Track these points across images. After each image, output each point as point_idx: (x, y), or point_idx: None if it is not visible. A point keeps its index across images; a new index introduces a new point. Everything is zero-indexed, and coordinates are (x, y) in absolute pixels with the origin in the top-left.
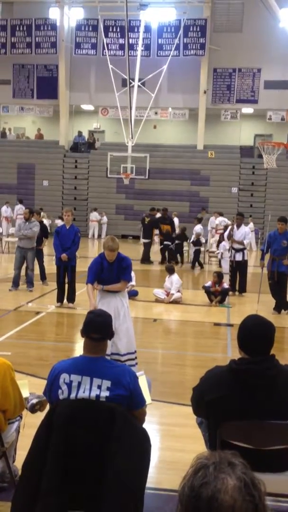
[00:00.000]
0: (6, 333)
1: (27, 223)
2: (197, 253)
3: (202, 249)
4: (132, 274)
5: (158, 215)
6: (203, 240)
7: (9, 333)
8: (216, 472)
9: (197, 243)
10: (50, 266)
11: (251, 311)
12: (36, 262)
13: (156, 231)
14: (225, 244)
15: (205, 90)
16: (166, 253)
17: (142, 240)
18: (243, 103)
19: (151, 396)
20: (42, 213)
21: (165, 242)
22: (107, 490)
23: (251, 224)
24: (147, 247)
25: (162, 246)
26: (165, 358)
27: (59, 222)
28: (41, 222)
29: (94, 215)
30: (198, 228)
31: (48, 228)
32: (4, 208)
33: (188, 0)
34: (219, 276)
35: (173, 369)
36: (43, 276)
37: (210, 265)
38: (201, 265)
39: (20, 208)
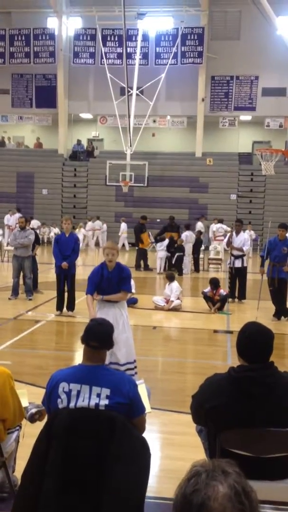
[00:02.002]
0: (6, 342)
1: (22, 231)
2: (179, 259)
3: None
4: (132, 282)
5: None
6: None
7: (9, 342)
8: (208, 479)
9: (179, 249)
10: (50, 275)
11: (251, 318)
12: None
13: (152, 239)
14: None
15: (203, 98)
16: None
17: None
18: (241, 111)
19: (151, 405)
20: (34, 221)
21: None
22: (107, 500)
23: (247, 232)
24: (137, 253)
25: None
26: (164, 365)
27: (53, 230)
28: (32, 229)
29: (97, 224)
30: (183, 235)
31: (46, 236)
32: (7, 216)
33: (186, 9)
34: (214, 283)
35: (173, 376)
36: (34, 284)
37: (209, 272)
38: (180, 272)
39: (19, 217)
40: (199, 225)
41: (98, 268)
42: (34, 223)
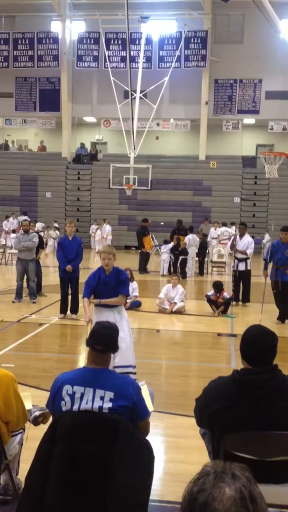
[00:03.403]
0: (10, 345)
1: (26, 234)
2: (182, 262)
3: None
4: (135, 284)
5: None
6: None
7: (12, 345)
8: (216, 480)
9: (183, 252)
10: (54, 278)
11: (255, 321)
12: None
13: (155, 242)
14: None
15: (207, 101)
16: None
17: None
18: (244, 114)
19: (154, 407)
20: (38, 224)
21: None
22: (111, 503)
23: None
24: (140, 256)
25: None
26: (168, 369)
27: (51, 233)
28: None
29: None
30: (186, 238)
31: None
32: (10, 219)
33: (189, 12)
34: (217, 286)
35: (177, 380)
36: (38, 288)
37: (213, 275)
38: (183, 275)
39: (23, 220)
40: (212, 231)
41: (95, 272)
42: (38, 225)
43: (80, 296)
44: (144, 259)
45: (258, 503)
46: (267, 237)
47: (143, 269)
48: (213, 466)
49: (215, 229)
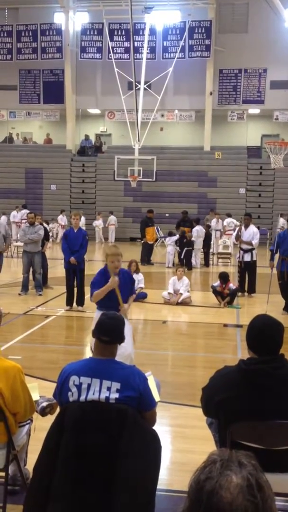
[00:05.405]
0: (16, 337)
1: (31, 227)
2: (187, 253)
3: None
4: (141, 276)
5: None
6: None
7: (19, 337)
8: (223, 469)
9: (188, 244)
10: (59, 270)
11: (261, 311)
12: None
13: (160, 234)
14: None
15: (211, 91)
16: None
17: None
18: (249, 104)
19: (161, 397)
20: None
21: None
22: (118, 492)
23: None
24: (142, 247)
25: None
26: (174, 359)
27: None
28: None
29: (112, 219)
30: (193, 230)
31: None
32: (13, 213)
33: (193, 2)
34: (223, 277)
35: (183, 370)
36: (44, 280)
37: (219, 266)
38: (189, 266)
39: (25, 213)
40: (282, 222)
41: (102, 271)
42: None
43: (86, 288)
44: (147, 250)
45: (265, 491)
46: (282, 221)
47: (146, 260)
48: (220, 454)
49: (217, 221)
